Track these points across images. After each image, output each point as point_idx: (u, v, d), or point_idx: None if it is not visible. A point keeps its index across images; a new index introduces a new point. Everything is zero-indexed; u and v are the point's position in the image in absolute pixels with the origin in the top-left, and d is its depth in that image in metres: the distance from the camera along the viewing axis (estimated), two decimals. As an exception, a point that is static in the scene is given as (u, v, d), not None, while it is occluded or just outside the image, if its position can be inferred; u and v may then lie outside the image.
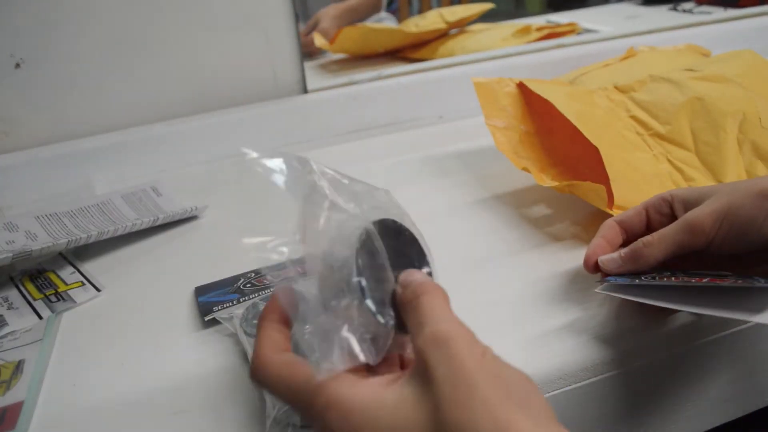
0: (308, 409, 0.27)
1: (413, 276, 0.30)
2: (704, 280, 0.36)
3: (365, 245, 0.30)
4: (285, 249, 0.30)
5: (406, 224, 0.33)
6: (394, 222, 0.32)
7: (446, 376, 0.24)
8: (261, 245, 0.30)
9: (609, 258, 0.40)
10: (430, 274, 0.32)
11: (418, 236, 0.33)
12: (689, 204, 0.40)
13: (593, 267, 0.41)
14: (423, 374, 0.25)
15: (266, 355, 0.29)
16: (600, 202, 0.50)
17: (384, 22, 1.22)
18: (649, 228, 0.43)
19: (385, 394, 0.26)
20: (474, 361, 0.25)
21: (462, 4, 1.17)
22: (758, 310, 0.34)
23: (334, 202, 0.31)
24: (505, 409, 0.23)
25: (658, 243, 0.39)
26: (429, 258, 0.33)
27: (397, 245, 0.32)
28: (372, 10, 1.20)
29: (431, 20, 1.05)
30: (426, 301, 0.28)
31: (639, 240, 0.40)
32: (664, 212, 0.42)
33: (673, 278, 0.37)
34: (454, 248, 0.51)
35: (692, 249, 0.39)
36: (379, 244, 0.30)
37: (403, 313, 0.29)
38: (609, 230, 0.43)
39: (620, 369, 0.39)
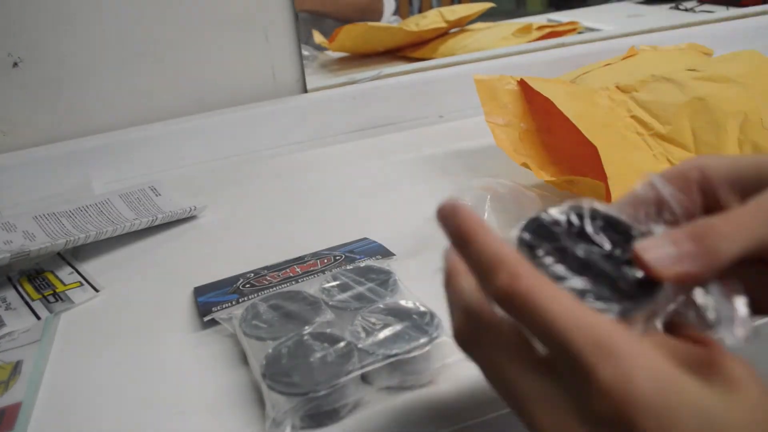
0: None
1: None
2: None
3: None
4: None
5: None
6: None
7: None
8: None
9: (660, 249, 0.24)
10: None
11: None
12: (746, 184, 0.26)
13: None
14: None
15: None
16: (598, 199, 0.50)
17: (391, 23, 1.21)
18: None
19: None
20: None
21: (462, 3, 1.16)
22: None
23: None
24: None
25: (733, 231, 0.24)
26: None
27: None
28: (363, 13, 1.17)
29: (431, 19, 1.05)
30: None
31: (702, 222, 0.25)
32: (691, 196, 0.27)
33: None
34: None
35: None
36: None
37: None
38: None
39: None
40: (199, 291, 0.47)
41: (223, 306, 0.44)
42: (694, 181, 0.27)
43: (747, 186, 0.26)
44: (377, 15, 1.16)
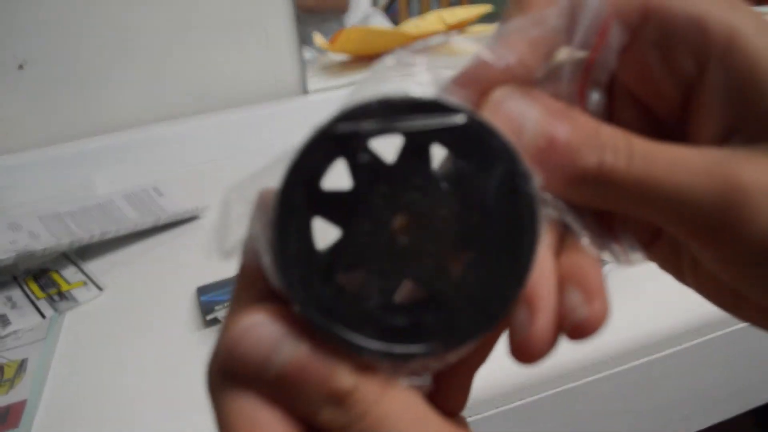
0: None
1: None
2: None
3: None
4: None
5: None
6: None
7: None
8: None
9: (519, 106, 0.15)
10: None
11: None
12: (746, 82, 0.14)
13: None
14: None
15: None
16: None
17: (370, 19, 1.21)
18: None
19: None
20: None
21: (462, 5, 1.17)
22: None
23: None
24: None
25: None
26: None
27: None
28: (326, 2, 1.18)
29: (431, 22, 1.06)
30: None
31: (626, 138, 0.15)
32: (677, 63, 0.15)
33: None
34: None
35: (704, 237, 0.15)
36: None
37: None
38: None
39: (617, 368, 0.39)
40: (202, 290, 0.48)
41: (226, 305, 0.44)
42: (694, 43, 0.15)
43: (745, 89, 0.15)
44: (342, 3, 1.17)
